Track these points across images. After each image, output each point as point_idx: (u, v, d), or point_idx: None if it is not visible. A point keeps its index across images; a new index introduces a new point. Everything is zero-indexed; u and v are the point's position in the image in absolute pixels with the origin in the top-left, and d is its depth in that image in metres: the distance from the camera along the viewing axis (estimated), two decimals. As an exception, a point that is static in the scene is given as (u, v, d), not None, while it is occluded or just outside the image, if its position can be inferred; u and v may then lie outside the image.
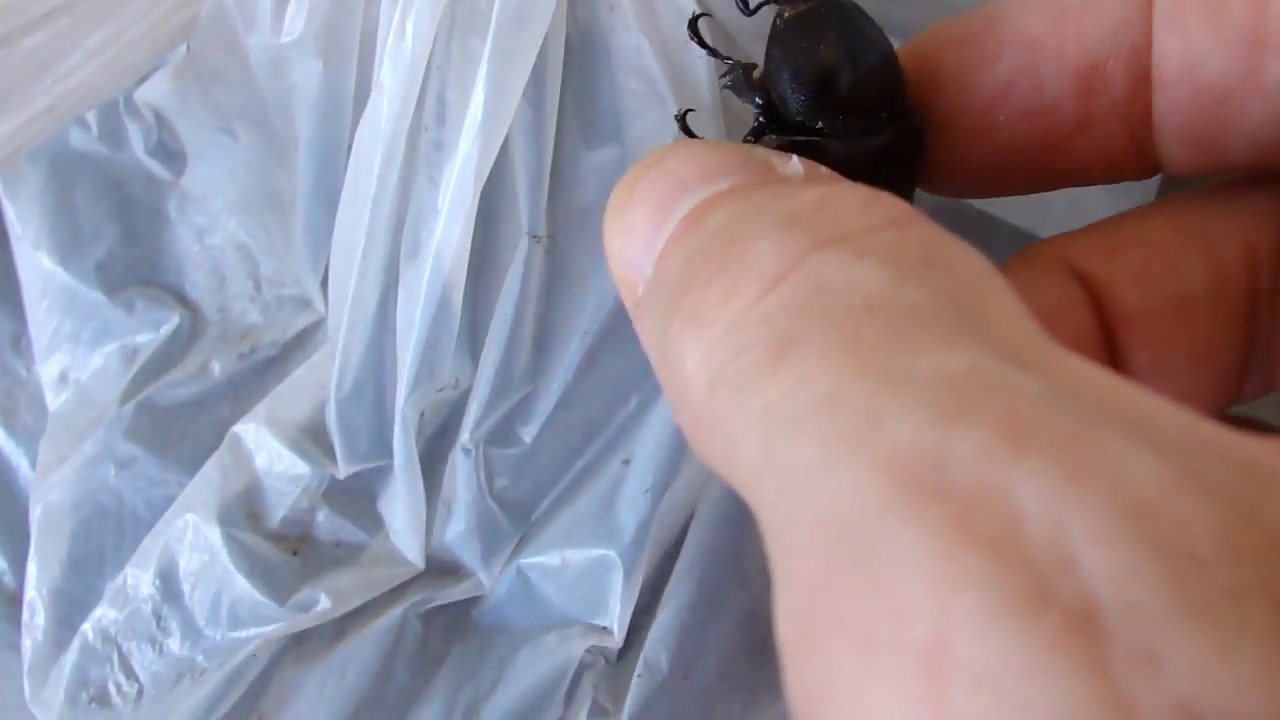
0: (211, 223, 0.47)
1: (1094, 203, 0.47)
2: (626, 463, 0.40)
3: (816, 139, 0.35)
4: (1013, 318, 0.18)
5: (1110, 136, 0.28)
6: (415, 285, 0.38)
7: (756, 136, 0.36)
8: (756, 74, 0.36)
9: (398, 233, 0.38)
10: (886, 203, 0.20)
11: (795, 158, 0.24)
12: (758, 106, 0.36)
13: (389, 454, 0.40)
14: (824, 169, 0.24)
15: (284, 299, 0.44)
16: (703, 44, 0.36)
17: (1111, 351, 0.27)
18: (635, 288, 0.22)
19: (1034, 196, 0.46)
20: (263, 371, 0.44)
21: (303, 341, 0.44)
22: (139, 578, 0.42)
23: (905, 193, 0.38)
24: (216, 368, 0.44)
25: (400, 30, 0.36)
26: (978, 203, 0.44)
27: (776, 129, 0.35)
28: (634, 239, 0.21)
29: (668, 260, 0.20)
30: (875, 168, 0.36)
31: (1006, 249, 0.48)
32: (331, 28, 0.38)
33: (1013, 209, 0.45)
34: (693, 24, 0.36)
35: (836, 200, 0.19)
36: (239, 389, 0.44)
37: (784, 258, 0.18)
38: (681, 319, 0.18)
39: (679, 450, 0.40)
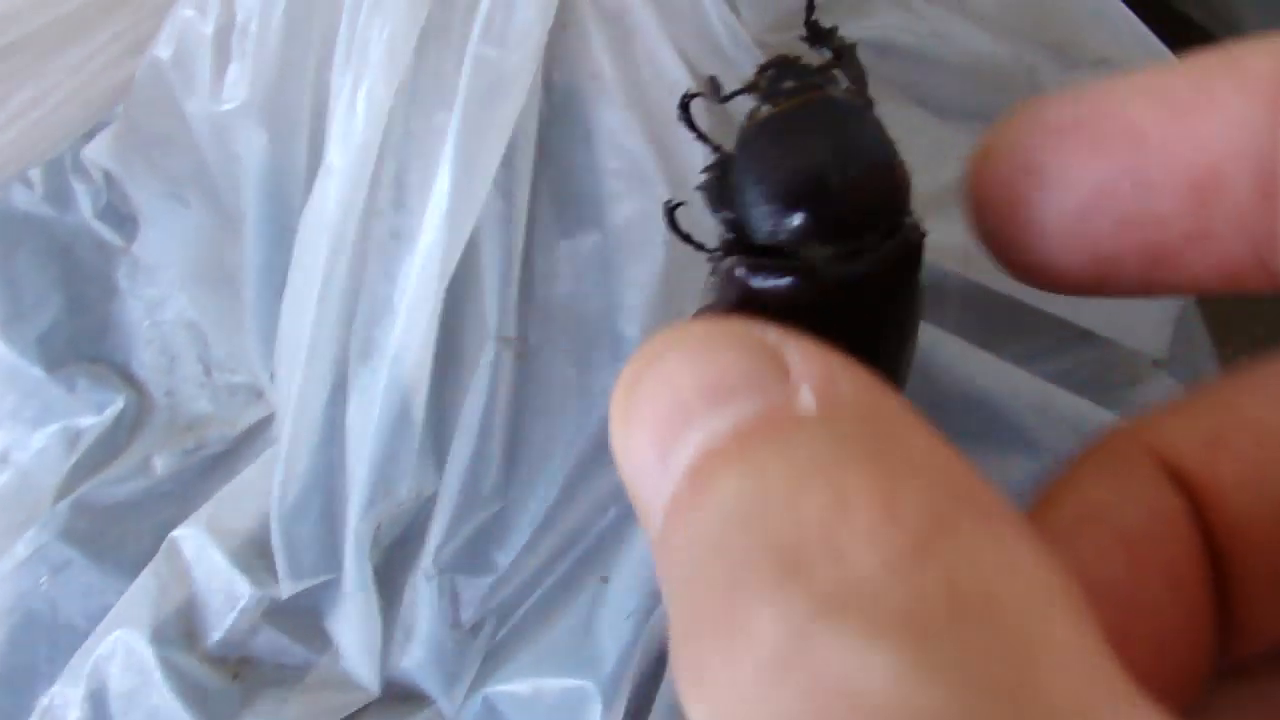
0: (163, 295, 0.42)
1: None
2: (605, 580, 0.36)
3: (787, 264, 0.30)
4: (1076, 681, 0.13)
5: (1229, 251, 0.22)
6: (369, 392, 0.33)
7: (725, 253, 0.31)
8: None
9: (347, 331, 0.33)
10: (909, 506, 0.15)
11: (805, 388, 0.19)
12: (723, 220, 0.31)
13: (337, 566, 0.36)
14: (829, 361, 0.19)
15: (235, 387, 0.40)
16: (693, 128, 0.32)
17: (1222, 581, 0.21)
18: (648, 514, 0.18)
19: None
20: (209, 470, 0.40)
21: (253, 437, 0.39)
22: (68, 698, 0.38)
23: (901, 330, 0.33)
24: (159, 464, 0.40)
25: (350, 102, 0.32)
26: (1001, 287, 0.39)
27: (743, 249, 0.31)
28: (638, 465, 0.18)
29: (674, 539, 0.17)
30: (862, 300, 0.31)
31: (1048, 341, 0.43)
32: (277, 95, 0.34)
33: (1045, 294, 0.40)
34: (684, 104, 0.31)
35: (847, 522, 0.15)
36: (184, 488, 0.40)
37: (784, 633, 0.14)
38: (686, 669, 0.15)
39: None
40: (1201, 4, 0.62)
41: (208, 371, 0.41)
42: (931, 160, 0.37)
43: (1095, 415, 0.40)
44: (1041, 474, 0.39)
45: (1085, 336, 0.41)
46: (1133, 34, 0.39)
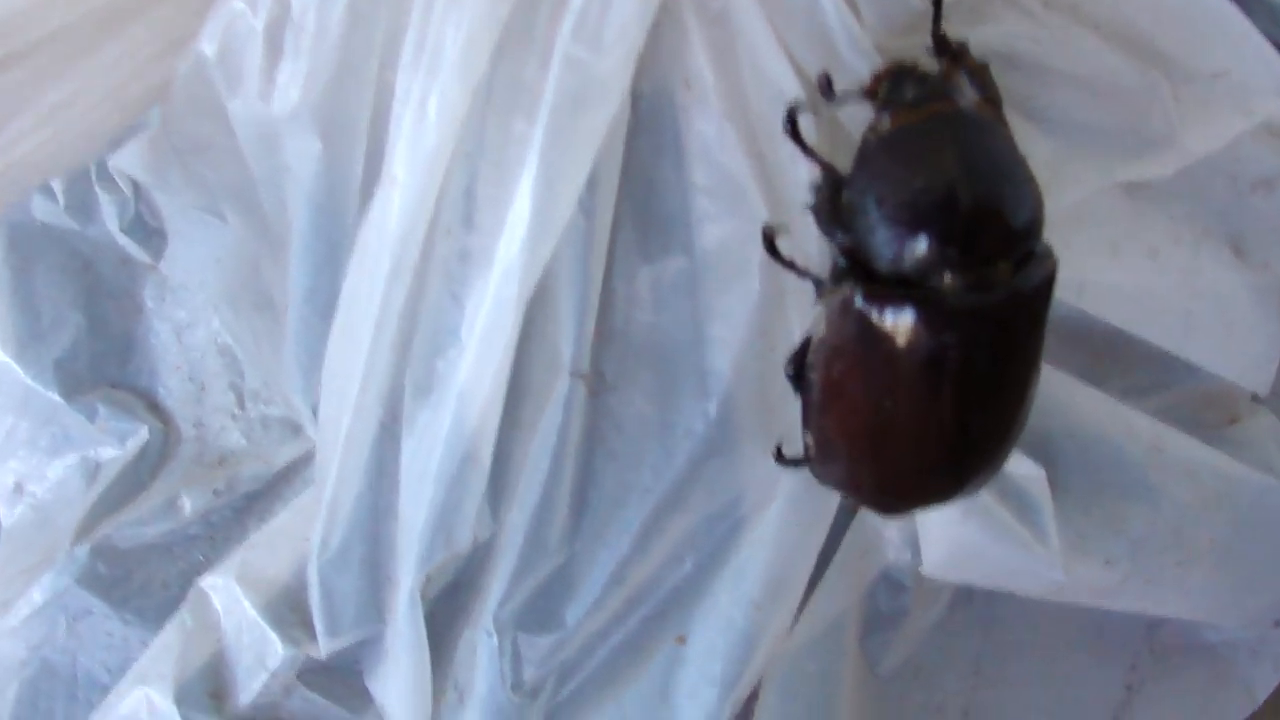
0: (193, 317, 0.39)
1: (1241, 314, 0.38)
2: (682, 640, 0.32)
3: (911, 294, 0.27)
4: None
5: None
6: (429, 431, 0.30)
7: (836, 282, 0.28)
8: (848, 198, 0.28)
9: (404, 362, 0.30)
10: None
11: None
12: (838, 244, 0.27)
13: (381, 620, 0.32)
14: None
15: (270, 420, 0.37)
16: (799, 142, 0.28)
17: None
18: None
19: (1179, 310, 0.38)
20: (242, 511, 0.36)
21: (290, 476, 0.36)
22: (83, 759, 0.34)
23: (1029, 366, 0.30)
24: (187, 504, 0.36)
25: (419, 107, 0.28)
26: (1118, 321, 0.36)
27: (861, 275, 0.27)
28: None
29: None
30: (987, 331, 0.28)
31: (1147, 372, 0.40)
32: (334, 98, 0.30)
33: (1154, 325, 0.37)
34: (791, 115, 0.28)
35: None
36: (214, 531, 0.36)
37: None
38: None
39: (752, 631, 0.32)
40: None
41: (240, 402, 0.37)
42: (1048, 182, 0.34)
43: (1208, 458, 0.37)
44: (1163, 527, 0.36)
45: (1187, 370, 0.38)
46: (1252, 45, 0.36)
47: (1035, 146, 0.34)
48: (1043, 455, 0.34)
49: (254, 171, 0.33)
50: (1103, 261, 0.35)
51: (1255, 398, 0.41)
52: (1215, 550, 0.37)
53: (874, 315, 0.27)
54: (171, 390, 0.39)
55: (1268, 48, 0.37)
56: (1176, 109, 0.36)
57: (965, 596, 0.37)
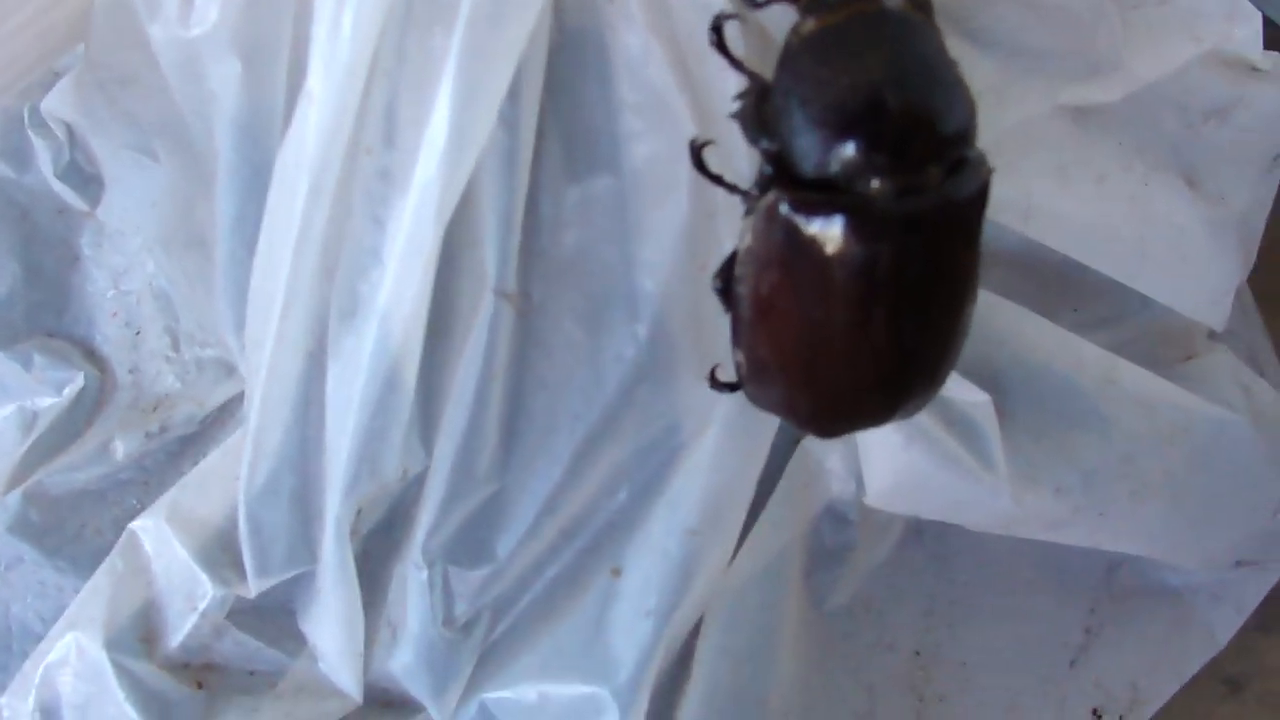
0: (129, 263, 0.38)
1: (1196, 248, 0.38)
2: (617, 573, 0.31)
3: (838, 200, 0.26)
4: None
5: None
6: (353, 356, 0.29)
7: (762, 190, 0.27)
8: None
9: (329, 287, 0.29)
10: None
11: None
12: (763, 150, 0.27)
13: (312, 558, 0.32)
14: None
15: (205, 362, 0.36)
16: (725, 52, 0.28)
17: None
18: None
19: (1131, 239, 0.37)
20: (175, 454, 0.36)
21: (223, 417, 0.35)
22: (16, 710, 0.33)
23: (965, 282, 0.29)
24: (120, 448, 0.35)
25: (334, 20, 0.28)
26: (1067, 249, 0.35)
27: (786, 182, 0.27)
28: None
29: None
30: (919, 240, 0.27)
31: (1100, 306, 0.39)
32: (252, 16, 0.30)
33: (1106, 255, 0.36)
34: (716, 25, 0.27)
35: None
36: (147, 475, 0.36)
37: None
38: None
39: (688, 561, 0.31)
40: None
41: (175, 345, 0.37)
42: (991, 103, 0.33)
43: (1163, 391, 0.36)
44: (1114, 458, 0.35)
45: (1141, 304, 0.37)
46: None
47: (976, 66, 0.34)
48: (990, 384, 0.34)
49: (180, 101, 0.32)
50: (1050, 186, 0.34)
51: (1212, 334, 0.40)
52: (1170, 483, 0.36)
53: (801, 223, 0.26)
54: (108, 337, 0.38)
55: (1219, -35, 0.36)
56: (1124, 33, 0.35)
57: (915, 533, 0.36)
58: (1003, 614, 0.38)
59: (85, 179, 0.39)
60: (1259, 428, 0.39)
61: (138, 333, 0.37)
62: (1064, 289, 0.37)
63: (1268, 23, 0.60)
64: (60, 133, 0.38)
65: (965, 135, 0.27)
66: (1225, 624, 0.42)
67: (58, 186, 0.39)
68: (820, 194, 0.26)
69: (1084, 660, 0.39)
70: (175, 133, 0.34)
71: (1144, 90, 0.35)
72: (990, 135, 0.34)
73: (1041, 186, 0.34)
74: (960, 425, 0.32)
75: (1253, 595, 0.42)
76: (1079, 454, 0.34)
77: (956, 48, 0.33)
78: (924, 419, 0.32)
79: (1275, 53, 0.37)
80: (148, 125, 0.34)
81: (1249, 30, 0.36)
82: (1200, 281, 0.38)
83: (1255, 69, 0.37)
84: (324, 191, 0.28)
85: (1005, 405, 0.34)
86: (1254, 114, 0.37)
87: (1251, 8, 0.36)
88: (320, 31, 0.28)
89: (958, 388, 0.32)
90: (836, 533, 0.34)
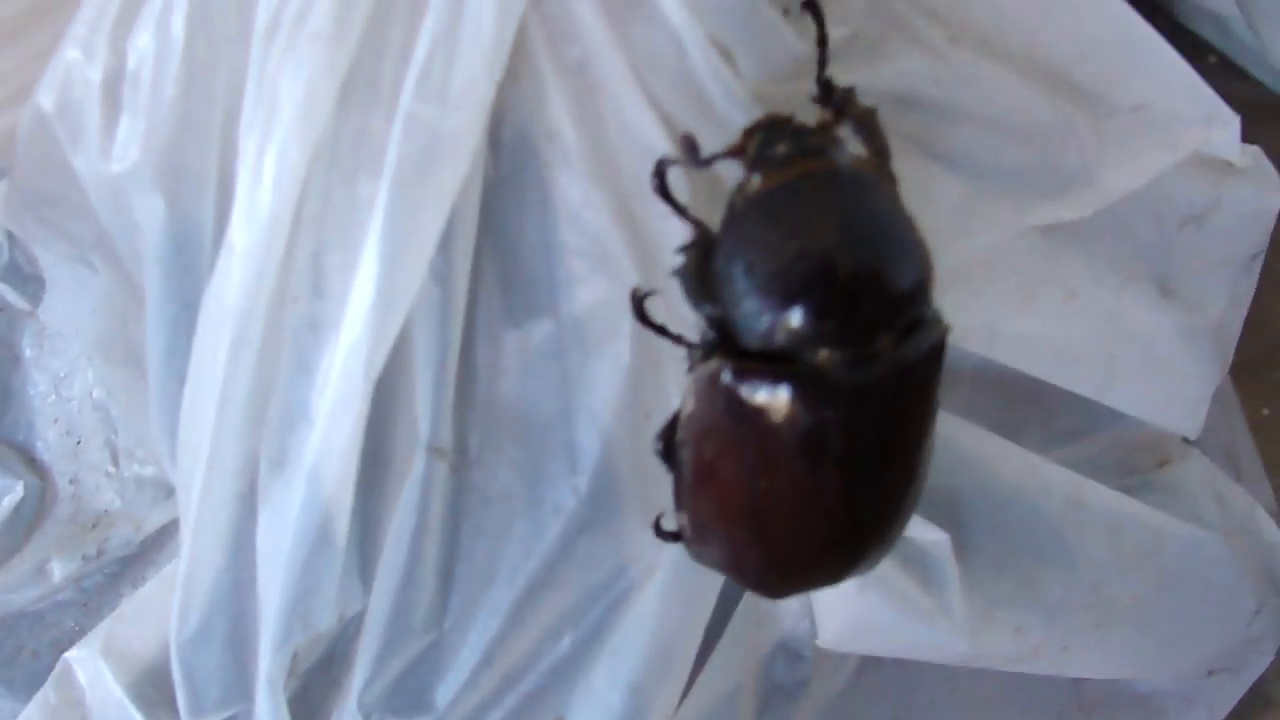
0: (70, 368, 0.37)
1: (1170, 358, 0.36)
2: (563, 721, 0.31)
3: (785, 371, 0.25)
4: None
5: None
6: (284, 508, 0.28)
7: (705, 353, 0.26)
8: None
9: (257, 436, 0.28)
10: None
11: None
12: (705, 315, 0.25)
13: (248, 698, 0.31)
14: None
15: (144, 480, 0.35)
16: (669, 200, 0.26)
17: None
18: None
19: (1101, 355, 0.36)
20: (115, 575, 0.35)
21: (163, 541, 0.34)
22: (-55, 840, 0.33)
23: (919, 438, 0.27)
24: (57, 570, 0.34)
25: (255, 168, 0.26)
26: (1034, 371, 0.34)
27: (730, 349, 0.25)
28: None
29: None
30: (870, 406, 0.26)
31: (1070, 418, 0.38)
32: (175, 155, 0.28)
33: (1074, 374, 0.35)
34: (659, 171, 0.26)
35: None
36: (86, 596, 0.35)
37: None
38: None
39: (633, 712, 0.30)
40: (1220, 26, 0.58)
41: (115, 459, 0.35)
42: (956, 227, 0.32)
43: (1131, 511, 0.35)
44: (1079, 589, 0.34)
45: (1112, 415, 0.36)
46: (1176, 74, 0.34)
47: (942, 188, 0.33)
48: (951, 516, 0.33)
49: (108, 228, 0.31)
50: (1016, 308, 0.33)
51: (1186, 440, 0.39)
52: (1138, 607, 0.35)
53: (745, 393, 0.25)
54: (49, 444, 0.37)
55: (1193, 77, 0.34)
56: (1096, 145, 0.34)
57: (874, 660, 0.35)
58: (966, 734, 0.37)
59: (25, 278, 0.37)
60: (1231, 540, 0.38)
61: (78, 442, 0.36)
62: (1032, 404, 0.35)
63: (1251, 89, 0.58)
64: (0, 234, 0.37)
65: (918, 296, 0.26)
66: (1199, 729, 0.41)
67: (-1, 286, 0.38)
68: (766, 363, 0.25)
69: (1052, 775, 0.38)
70: (108, 248, 0.33)
71: (1119, 202, 0.34)
72: (955, 259, 0.33)
73: (1007, 309, 0.33)
74: (917, 565, 0.31)
75: (1226, 699, 0.41)
76: (1042, 588, 0.33)
77: (922, 170, 0.33)
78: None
79: (1252, 146, 0.36)
80: (81, 240, 0.33)
81: (1228, 133, 0.35)
82: (1174, 392, 0.37)
83: (1232, 167, 0.36)
84: (248, 344, 0.27)
85: (967, 538, 0.33)
86: (1231, 215, 0.36)
87: (1230, 110, 0.35)
88: (243, 179, 0.27)
89: (915, 526, 0.31)
90: (790, 669, 0.33)
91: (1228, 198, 0.36)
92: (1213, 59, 0.59)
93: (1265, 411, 0.52)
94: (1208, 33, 0.58)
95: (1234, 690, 0.41)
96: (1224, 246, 0.37)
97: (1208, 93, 0.35)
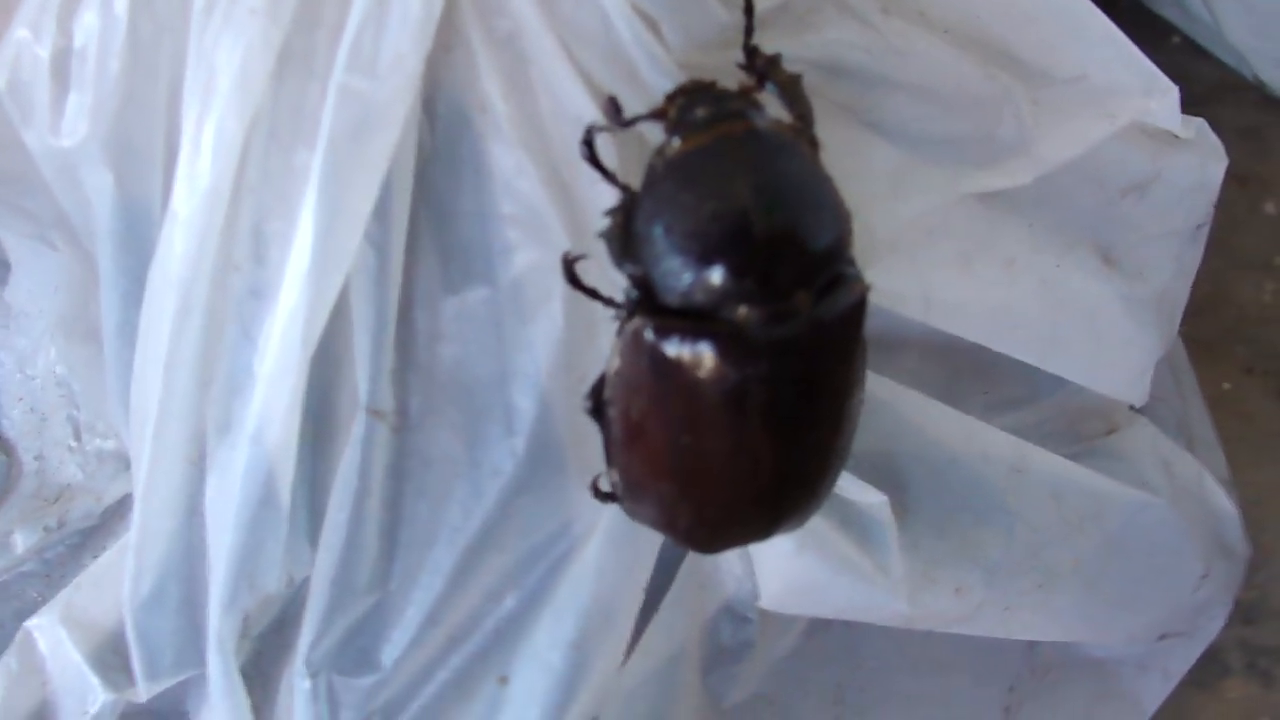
0: (34, 347, 0.38)
1: (1112, 327, 0.37)
2: (504, 680, 0.31)
3: (704, 327, 0.25)
4: None
5: None
6: (229, 471, 0.29)
7: (630, 312, 0.26)
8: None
9: (203, 401, 0.29)
10: None
11: None
12: (628, 274, 0.26)
13: (201, 661, 0.32)
14: None
15: (105, 454, 0.36)
16: (597, 165, 0.27)
17: None
18: None
19: (1042, 322, 0.36)
20: (77, 546, 0.35)
21: (123, 511, 0.35)
22: (-89, 805, 0.33)
23: (841, 398, 0.28)
24: (19, 541, 0.35)
25: (195, 139, 0.27)
26: (972, 336, 0.34)
27: (652, 307, 0.26)
28: None
29: None
30: (790, 362, 0.26)
31: (1015, 385, 0.39)
32: (122, 130, 0.29)
33: (1014, 340, 0.35)
34: (587, 138, 0.27)
35: None
36: (48, 567, 0.35)
37: None
38: None
39: (571, 673, 0.31)
40: (1180, 7, 0.58)
41: (77, 435, 0.36)
42: (889, 192, 0.33)
43: (1075, 477, 0.36)
44: (1020, 551, 0.35)
45: (1057, 382, 0.37)
46: (1113, 46, 0.35)
47: (876, 156, 0.33)
48: (892, 479, 0.33)
49: (62, 203, 0.32)
50: (952, 275, 0.34)
51: (1134, 408, 0.40)
52: (1081, 571, 0.36)
53: (667, 350, 0.26)
54: (14, 421, 0.38)
55: (1130, 48, 0.35)
56: (1032, 115, 0.34)
57: (823, 622, 0.35)
58: (917, 698, 0.37)
59: (-10, 259, 0.38)
60: (1178, 504, 0.38)
61: (43, 419, 0.37)
62: (975, 372, 0.36)
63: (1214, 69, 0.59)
64: (-37, 215, 0.37)
65: (838, 253, 0.27)
66: (1153, 693, 0.42)
67: (-36, 267, 0.38)
68: (686, 321, 0.26)
69: (1003, 740, 0.39)
70: (66, 226, 0.34)
71: (1057, 171, 0.34)
72: (890, 226, 0.33)
73: (943, 275, 0.33)
74: (856, 527, 0.32)
75: (1180, 662, 0.42)
76: (982, 550, 0.34)
77: (855, 137, 0.33)
78: (818, 521, 0.31)
79: (1195, 118, 0.37)
80: (40, 218, 0.34)
81: (1166, 103, 0.36)
82: (1117, 360, 0.37)
83: (1176, 138, 0.37)
84: (193, 310, 0.28)
85: (908, 501, 0.33)
86: (1173, 185, 0.37)
87: (1169, 81, 0.35)
88: (184, 150, 0.27)
89: (854, 488, 0.32)
90: (735, 631, 0.33)
91: (1169, 168, 0.36)
92: (1176, 39, 0.59)
93: (1226, 386, 0.52)
94: (1170, 14, 0.59)
95: (1187, 654, 0.42)
96: (1167, 217, 0.37)
97: (1146, 64, 0.35)
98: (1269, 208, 0.58)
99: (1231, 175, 0.38)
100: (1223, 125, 0.38)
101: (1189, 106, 0.36)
